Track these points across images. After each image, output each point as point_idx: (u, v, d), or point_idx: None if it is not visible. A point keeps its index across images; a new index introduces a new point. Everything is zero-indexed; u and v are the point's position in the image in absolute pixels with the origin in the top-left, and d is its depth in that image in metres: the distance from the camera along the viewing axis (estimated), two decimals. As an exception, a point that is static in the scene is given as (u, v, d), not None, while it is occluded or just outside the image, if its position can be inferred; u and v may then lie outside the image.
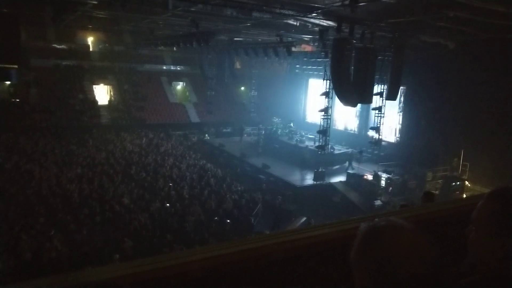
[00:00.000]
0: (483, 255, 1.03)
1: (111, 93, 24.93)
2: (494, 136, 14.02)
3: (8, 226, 9.50)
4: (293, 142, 20.48)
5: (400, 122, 19.11)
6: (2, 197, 11.43)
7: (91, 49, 25.60)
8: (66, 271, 7.06)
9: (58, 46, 23.70)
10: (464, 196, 14.20)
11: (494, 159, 13.92)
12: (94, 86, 24.40)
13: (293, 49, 17.78)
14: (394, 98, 16.14)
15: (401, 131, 19.15)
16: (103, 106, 23.91)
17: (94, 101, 23.73)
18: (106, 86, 24.96)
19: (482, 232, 1.05)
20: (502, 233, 0.98)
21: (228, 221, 10.99)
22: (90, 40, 25.65)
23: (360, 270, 0.89)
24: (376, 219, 0.94)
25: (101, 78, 24.68)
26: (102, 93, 24.75)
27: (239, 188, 14.38)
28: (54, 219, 10.15)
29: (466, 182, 15.26)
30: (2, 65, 10.50)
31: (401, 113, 19.08)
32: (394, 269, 0.83)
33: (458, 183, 15.05)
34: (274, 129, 22.97)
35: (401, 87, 16.65)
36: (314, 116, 22.23)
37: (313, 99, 23.91)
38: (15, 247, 8.53)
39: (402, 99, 18.65)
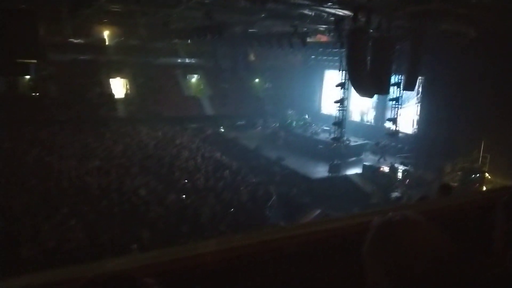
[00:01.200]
0: (496, 248, 1.01)
1: (127, 86, 25.21)
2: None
3: (30, 217, 9.79)
4: (308, 134, 20.35)
5: (418, 113, 18.76)
6: (23, 188, 11.77)
7: (107, 43, 25.83)
8: (86, 261, 7.24)
9: (75, 41, 23.98)
10: (484, 188, 13.90)
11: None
12: (110, 80, 24.69)
13: (308, 39, 17.58)
14: (412, 89, 15.83)
15: (419, 122, 18.80)
16: (119, 100, 24.22)
17: (111, 95, 24.07)
18: (122, 80, 25.24)
19: (495, 223, 1.03)
20: (504, 224, 0.96)
21: (243, 213, 11.05)
22: (106, 34, 25.86)
23: (372, 265, 0.88)
24: (390, 213, 0.93)
25: (117, 72, 24.94)
26: (119, 87, 25.05)
27: (254, 181, 14.42)
28: (74, 210, 10.39)
29: (487, 174, 14.92)
30: (22, 60, 10.70)
31: (419, 104, 18.73)
32: (407, 264, 0.82)
33: (478, 175, 14.71)
34: (289, 121, 22.86)
35: (419, 77, 16.31)
36: (329, 108, 22.04)
37: (329, 91, 23.69)
38: (37, 236, 8.78)
39: (420, 89, 18.29)
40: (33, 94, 21.95)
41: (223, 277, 1.40)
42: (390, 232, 0.88)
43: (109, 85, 24.50)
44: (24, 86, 21.88)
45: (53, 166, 14.04)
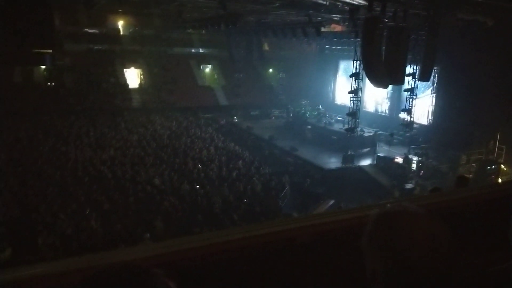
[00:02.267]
0: None
1: (142, 76, 25.38)
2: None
3: (47, 205, 10.03)
4: (322, 124, 20.23)
5: (433, 104, 18.44)
6: (40, 177, 12.03)
7: (121, 33, 26.00)
8: (100, 249, 7.40)
9: (90, 31, 24.21)
10: (500, 180, 13.66)
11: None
12: (125, 69, 24.89)
13: (323, 29, 17.36)
14: (427, 79, 15.55)
15: (434, 113, 18.50)
16: (134, 90, 24.44)
17: (126, 85, 24.29)
18: (136, 70, 25.42)
19: None
20: None
21: (256, 203, 11.11)
22: (120, 24, 26.03)
23: (371, 256, 0.88)
24: (389, 205, 0.94)
25: (131, 61, 25.12)
26: (133, 77, 25.25)
27: (267, 171, 14.45)
28: (89, 199, 10.60)
29: (502, 166, 14.66)
30: (37, 50, 10.82)
31: (434, 95, 18.40)
32: (405, 255, 0.82)
33: (494, 166, 14.47)
34: (303, 111, 22.74)
35: (435, 68, 15.99)
36: (343, 98, 21.83)
37: (343, 81, 23.44)
38: (53, 225, 9.00)
39: (435, 80, 17.95)
40: (49, 84, 22.27)
41: (236, 267, 1.42)
42: (388, 222, 0.89)
43: (123, 75, 24.71)
44: (39, 76, 22.22)
45: (69, 156, 14.30)
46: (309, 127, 16.81)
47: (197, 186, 12.01)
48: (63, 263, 1.26)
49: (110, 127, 19.08)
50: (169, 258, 1.32)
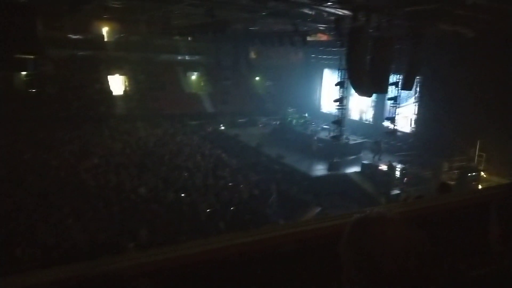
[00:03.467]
0: (492, 246, 1.03)
1: (127, 83, 25.17)
2: (511, 126, 13.72)
3: (26, 215, 9.77)
4: (308, 132, 20.37)
5: (416, 112, 18.80)
6: (20, 186, 11.75)
7: (107, 39, 25.79)
8: (83, 259, 7.24)
9: (74, 37, 23.93)
10: (480, 187, 13.97)
11: (510, 149, 13.66)
12: (110, 76, 24.65)
13: (309, 38, 17.57)
14: (410, 88, 15.85)
15: (416, 121, 18.86)
16: (119, 97, 24.19)
17: (110, 92, 24.02)
18: (121, 77, 25.20)
19: (491, 221, 1.04)
20: (500, 222, 0.97)
21: (243, 211, 11.05)
22: (105, 30, 25.83)
23: (347, 261, 0.90)
24: (367, 211, 0.95)
25: (117, 68, 24.89)
26: (118, 84, 25.01)
27: (254, 178, 14.43)
28: (71, 209, 10.38)
29: (482, 173, 15.01)
30: (19, 56, 10.62)
31: (417, 104, 18.77)
32: (379, 260, 0.84)
33: (474, 173, 14.79)
34: (289, 119, 22.88)
35: (417, 77, 16.34)
36: (329, 106, 22.06)
37: (329, 89, 23.69)
38: (33, 235, 8.77)
39: (418, 89, 18.32)
40: (30, 90, 21.83)
41: (222, 274, 1.41)
42: (363, 228, 0.90)
43: (108, 81, 24.45)
44: (20, 82, 21.76)
45: (51, 164, 14.02)
46: (316, 138, 16.63)
47: (183, 194, 11.90)
48: (44, 273, 1.24)
49: (94, 135, 18.81)
50: (153, 267, 1.31)
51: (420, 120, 18.58)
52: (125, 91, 24.84)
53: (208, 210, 10.96)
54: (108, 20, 24.34)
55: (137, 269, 1.29)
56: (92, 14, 20.62)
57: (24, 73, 20.81)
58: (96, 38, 25.12)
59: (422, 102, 18.49)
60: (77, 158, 15.05)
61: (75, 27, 23.81)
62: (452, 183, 13.34)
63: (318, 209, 12.14)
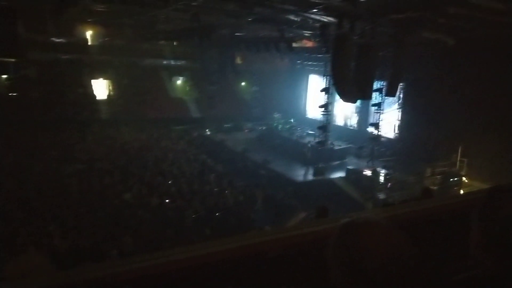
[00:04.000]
0: (473, 250, 1.04)
1: (111, 87, 24.88)
2: (492, 132, 14.06)
3: (7, 222, 9.51)
4: (294, 137, 20.47)
5: (399, 118, 19.11)
6: (0, 192, 11.44)
7: (91, 43, 25.47)
8: (65, 267, 7.08)
9: (57, 40, 23.56)
10: (462, 192, 14.24)
11: (491, 155, 13.98)
12: (93, 80, 24.32)
13: (294, 44, 17.71)
14: (393, 95, 16.09)
15: (400, 127, 19.15)
16: (103, 101, 23.88)
17: (94, 96, 23.70)
18: (105, 81, 24.90)
19: (472, 227, 1.06)
20: (476, 230, 0.99)
21: (229, 217, 11.01)
22: (89, 34, 25.52)
23: (334, 266, 0.90)
24: (353, 216, 0.96)
25: (100, 72, 24.58)
26: (102, 88, 24.69)
27: (240, 184, 14.40)
28: (53, 215, 10.16)
29: (464, 178, 15.30)
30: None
31: (400, 110, 19.09)
32: (365, 265, 0.84)
33: (456, 179, 15.08)
34: (275, 124, 22.97)
35: (401, 84, 16.61)
36: (314, 112, 22.23)
37: (314, 95, 23.90)
38: (13, 242, 8.54)
39: (401, 95, 18.64)
40: (11, 94, 21.36)
41: (207, 281, 1.39)
42: (349, 233, 0.92)
43: (92, 85, 24.11)
44: (1, 85, 21.27)
45: (33, 169, 13.71)
46: (310, 145, 16.63)
47: (168, 200, 11.78)
48: (24, 283, 1.21)
49: (77, 140, 18.50)
50: (137, 274, 1.29)
51: (404, 125, 18.89)
52: (109, 96, 24.54)
53: (193, 216, 10.88)
54: (93, 23, 24.03)
55: (119, 277, 1.26)
56: (76, 17, 20.32)
57: (4, 76, 20.37)
58: (80, 42, 24.76)
59: (405, 108, 18.81)
60: (60, 163, 14.77)
61: (59, 30, 23.42)
62: (435, 188, 13.57)
63: (303, 214, 12.18)
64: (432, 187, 12.33)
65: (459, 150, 15.48)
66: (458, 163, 15.64)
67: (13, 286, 1.16)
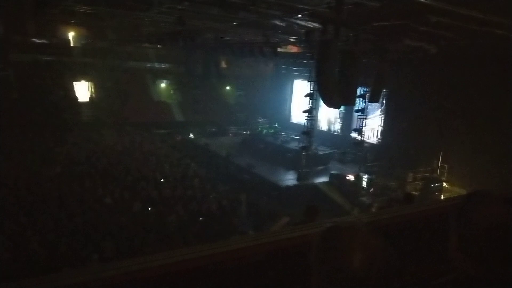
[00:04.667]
0: (452, 254, 1.06)
1: (93, 90, 24.53)
2: (472, 139, 14.40)
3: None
4: (278, 142, 20.55)
5: (382, 124, 19.41)
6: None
7: (73, 45, 25.10)
8: (44, 272, 6.90)
9: (38, 41, 23.13)
10: (443, 197, 14.52)
11: (470, 161, 14.33)
12: (75, 82, 23.95)
13: (279, 49, 17.82)
14: (377, 101, 16.36)
15: (382, 133, 19.45)
16: (84, 103, 23.51)
17: (75, 98, 23.31)
18: (87, 83, 24.54)
19: (449, 232, 1.08)
20: (455, 234, 1.01)
21: (212, 222, 10.93)
22: (71, 35, 25.15)
23: (317, 269, 0.91)
24: (336, 221, 0.98)
25: (82, 74, 24.23)
26: (84, 90, 24.33)
27: (224, 188, 14.33)
28: (31, 220, 9.90)
29: (445, 184, 15.60)
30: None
31: (383, 116, 19.39)
32: (345, 269, 0.85)
33: (437, 184, 15.36)
34: (259, 129, 23.01)
35: (384, 90, 16.90)
36: (299, 117, 22.38)
37: (298, 100, 24.08)
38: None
39: (384, 101, 18.94)
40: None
41: (190, 286, 1.37)
42: (330, 238, 0.93)
43: (73, 88, 23.72)
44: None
45: (10, 173, 13.35)
46: (304, 153, 16.52)
47: (150, 205, 11.63)
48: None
49: (57, 143, 18.11)
50: (118, 280, 1.26)
51: (386, 131, 19.19)
52: (91, 98, 24.19)
53: (176, 221, 10.76)
54: (75, 25, 23.72)
55: (100, 283, 1.24)
56: (58, 18, 20.02)
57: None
58: (61, 43, 24.37)
59: (388, 114, 19.12)
60: (38, 166, 14.42)
61: (40, 31, 23.02)
62: (416, 193, 13.79)
63: (287, 219, 12.18)
64: (413, 193, 12.53)
65: (440, 157, 15.80)
66: (439, 169, 15.96)
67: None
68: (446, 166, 15.76)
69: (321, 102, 15.02)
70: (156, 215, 11.02)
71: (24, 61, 21.68)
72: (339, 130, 22.58)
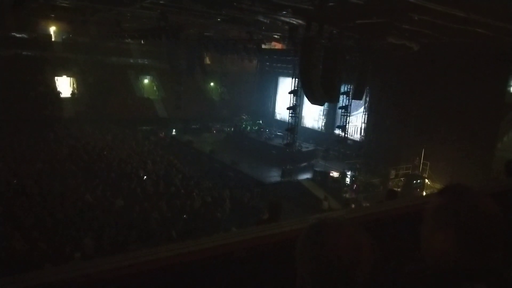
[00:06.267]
0: (427, 250, 1.07)
1: (75, 85, 24.04)
2: (452, 136, 14.70)
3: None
4: (262, 139, 20.56)
5: (365, 121, 19.64)
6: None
7: (54, 39, 24.52)
8: (24, 270, 6.75)
9: (18, 35, 22.51)
10: (424, 193, 14.80)
11: (452, 158, 14.62)
12: (56, 78, 23.42)
13: (263, 46, 17.79)
14: (360, 98, 16.56)
15: (365, 130, 19.67)
16: (66, 99, 23.03)
17: (56, 94, 22.80)
18: (69, 79, 24.03)
19: (427, 226, 1.08)
20: (443, 227, 1.02)
21: (195, 219, 10.88)
22: (52, 30, 24.56)
23: (301, 264, 0.92)
24: (320, 217, 0.99)
25: (64, 70, 23.73)
26: (65, 86, 23.82)
27: (207, 185, 14.27)
28: (11, 217, 9.66)
29: (427, 180, 15.89)
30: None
31: (366, 113, 19.60)
32: (330, 264, 0.86)
33: (419, 181, 15.64)
34: (243, 125, 22.98)
35: (367, 87, 17.08)
36: (283, 114, 22.45)
37: (282, 97, 24.15)
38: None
39: (367, 98, 19.15)
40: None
41: (172, 284, 1.37)
42: (315, 233, 0.94)
43: (54, 83, 23.20)
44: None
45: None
46: (288, 150, 16.48)
47: (132, 202, 11.49)
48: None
49: (38, 139, 17.69)
50: (99, 277, 1.25)
51: (369, 128, 19.42)
52: (73, 94, 23.71)
53: (159, 218, 10.67)
54: (56, 19, 23.19)
55: (81, 280, 1.22)
56: (38, 12, 19.53)
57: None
58: (42, 38, 23.79)
59: (371, 111, 19.35)
60: (19, 163, 14.07)
61: (20, 25, 22.40)
62: (399, 190, 14.02)
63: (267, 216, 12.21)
64: (396, 189, 12.74)
65: (422, 154, 16.07)
66: (421, 166, 16.24)
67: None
68: (428, 163, 16.05)
69: (305, 99, 15.12)
70: (139, 212, 10.90)
71: (3, 56, 21.07)
72: (323, 127, 22.74)
